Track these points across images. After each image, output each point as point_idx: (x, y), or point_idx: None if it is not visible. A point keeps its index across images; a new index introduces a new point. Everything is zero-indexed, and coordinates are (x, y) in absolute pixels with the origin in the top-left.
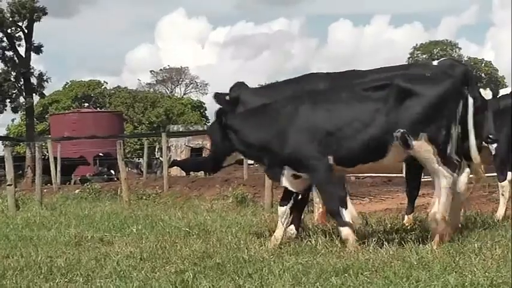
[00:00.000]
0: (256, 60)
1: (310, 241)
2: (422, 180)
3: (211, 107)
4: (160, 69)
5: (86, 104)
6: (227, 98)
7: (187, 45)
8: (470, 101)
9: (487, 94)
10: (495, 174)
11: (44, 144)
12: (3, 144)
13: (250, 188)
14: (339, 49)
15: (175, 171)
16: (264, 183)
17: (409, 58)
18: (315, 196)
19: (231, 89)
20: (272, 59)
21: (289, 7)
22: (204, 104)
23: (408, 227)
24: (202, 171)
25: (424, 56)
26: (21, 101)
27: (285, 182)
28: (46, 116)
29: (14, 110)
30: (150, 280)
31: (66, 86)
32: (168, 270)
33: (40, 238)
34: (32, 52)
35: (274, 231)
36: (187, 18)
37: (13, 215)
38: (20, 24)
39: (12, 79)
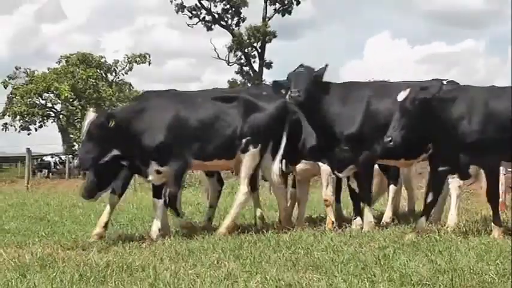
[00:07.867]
0: (447, 75)
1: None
2: None
3: None
4: None
5: None
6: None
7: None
8: None
9: None
10: None
11: None
12: None
13: None
14: None
15: None
16: None
17: None
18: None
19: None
20: (460, 74)
21: (475, 30)
22: None
23: None
24: None
25: None
26: None
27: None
28: None
29: None
30: (358, 254)
31: None
32: (372, 246)
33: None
34: (263, 67)
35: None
36: (391, 39)
37: None
38: (254, 45)
39: None
